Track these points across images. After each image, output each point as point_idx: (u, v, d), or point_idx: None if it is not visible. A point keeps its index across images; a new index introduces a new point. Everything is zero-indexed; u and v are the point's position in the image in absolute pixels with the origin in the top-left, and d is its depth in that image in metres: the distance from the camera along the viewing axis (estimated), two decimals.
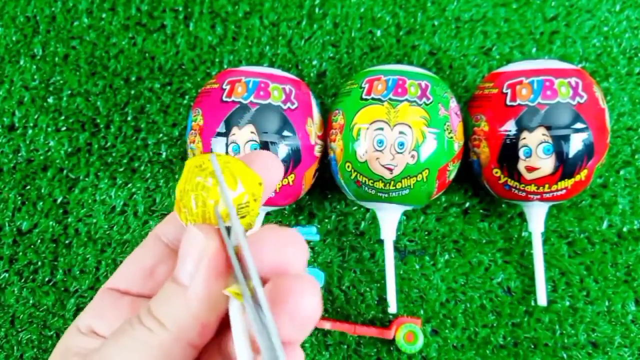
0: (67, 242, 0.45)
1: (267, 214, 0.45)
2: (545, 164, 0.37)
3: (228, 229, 0.19)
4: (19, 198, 0.46)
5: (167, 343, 0.18)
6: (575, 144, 0.36)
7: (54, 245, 0.45)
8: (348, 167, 0.38)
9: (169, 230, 0.22)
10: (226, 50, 0.48)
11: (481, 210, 0.45)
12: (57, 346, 0.20)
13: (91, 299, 0.45)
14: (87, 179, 0.46)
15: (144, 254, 0.22)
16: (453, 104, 0.40)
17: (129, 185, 0.46)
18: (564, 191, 0.38)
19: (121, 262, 0.45)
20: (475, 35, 0.48)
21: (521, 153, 0.37)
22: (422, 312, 0.43)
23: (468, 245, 0.44)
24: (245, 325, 0.18)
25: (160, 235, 0.22)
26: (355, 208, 0.45)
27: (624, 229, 0.44)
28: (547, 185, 0.38)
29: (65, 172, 0.46)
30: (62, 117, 0.47)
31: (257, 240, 0.18)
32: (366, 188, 0.38)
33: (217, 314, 0.19)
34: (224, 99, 0.38)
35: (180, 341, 0.18)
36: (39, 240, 0.45)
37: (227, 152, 0.37)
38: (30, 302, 0.44)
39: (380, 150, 0.37)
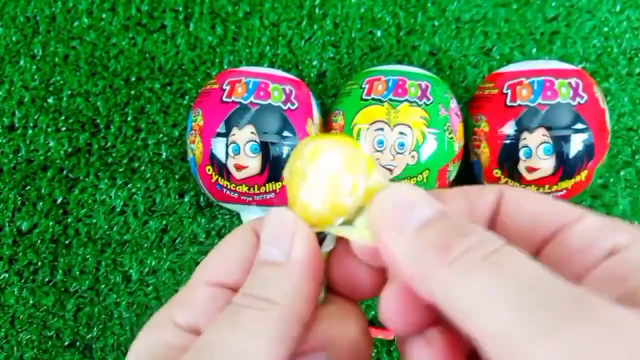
0: (67, 242, 0.45)
1: None
2: (546, 165, 0.37)
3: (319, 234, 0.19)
4: (19, 198, 0.46)
5: (284, 319, 0.17)
6: (576, 145, 0.36)
7: (54, 245, 0.45)
8: None
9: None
10: (226, 50, 0.48)
11: None
12: (140, 342, 0.18)
13: (91, 299, 0.45)
14: (87, 179, 0.46)
15: (245, 247, 0.20)
16: (453, 104, 0.40)
17: (129, 185, 0.46)
18: (564, 192, 0.38)
19: (121, 262, 0.45)
20: (475, 36, 0.48)
21: (521, 154, 0.37)
22: None
23: None
24: None
25: (257, 229, 0.20)
26: None
27: None
28: (547, 186, 0.38)
29: (65, 172, 0.46)
30: (62, 117, 0.47)
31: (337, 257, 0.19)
32: None
33: (318, 283, 0.18)
34: (224, 99, 0.38)
35: (294, 316, 0.17)
36: (39, 241, 0.45)
37: (227, 153, 0.38)
38: (30, 302, 0.44)
39: (381, 151, 0.37)
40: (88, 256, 0.45)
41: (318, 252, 0.18)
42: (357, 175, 0.18)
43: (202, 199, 0.46)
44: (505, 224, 0.17)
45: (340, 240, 0.19)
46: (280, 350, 0.16)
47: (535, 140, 0.37)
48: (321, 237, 0.19)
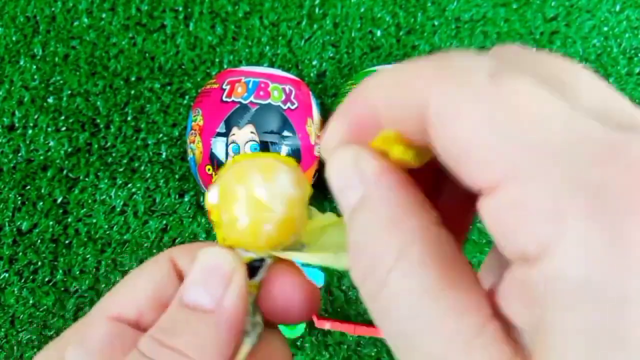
0: (67, 242, 0.45)
1: None
2: None
3: (253, 261, 0.17)
4: (19, 198, 0.46)
5: None
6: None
7: (54, 245, 0.45)
8: None
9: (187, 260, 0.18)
10: (226, 50, 0.48)
11: None
12: None
13: (91, 299, 0.45)
14: (87, 179, 0.46)
15: (159, 278, 0.17)
16: None
17: (129, 185, 0.46)
18: None
19: (121, 262, 0.45)
20: (475, 35, 0.48)
21: None
22: None
23: (468, 246, 0.44)
24: None
25: (176, 259, 0.18)
26: None
27: None
28: None
29: (65, 172, 0.46)
30: (62, 117, 0.47)
31: (268, 281, 0.17)
32: None
33: (240, 332, 0.16)
34: (224, 99, 0.38)
35: None
36: (39, 240, 0.45)
37: (227, 152, 0.38)
38: (30, 302, 0.44)
39: None
40: (88, 256, 0.45)
41: (247, 299, 0.16)
42: (280, 192, 0.17)
43: (201, 199, 0.46)
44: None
45: (272, 266, 0.17)
46: None
47: None
48: (251, 266, 0.17)
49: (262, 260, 0.17)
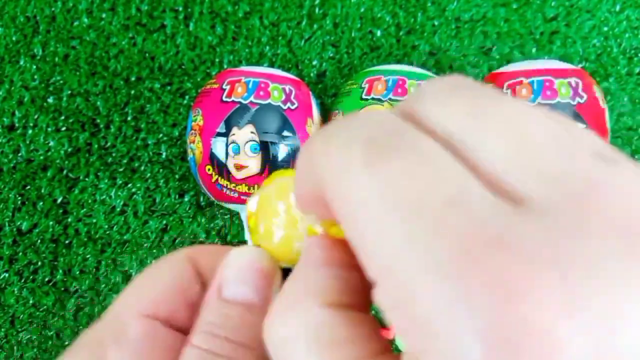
0: (67, 242, 0.45)
1: None
2: None
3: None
4: (19, 198, 0.46)
5: None
6: None
7: (54, 245, 0.45)
8: None
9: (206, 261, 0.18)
10: (226, 50, 0.48)
11: None
12: None
13: (91, 299, 0.45)
14: (87, 179, 0.46)
15: (185, 277, 0.17)
16: None
17: (129, 185, 0.46)
18: None
19: (121, 262, 0.45)
20: (475, 35, 0.48)
21: None
22: None
23: None
24: None
25: (196, 260, 0.18)
26: None
27: None
28: None
29: (65, 172, 0.46)
30: (62, 117, 0.47)
31: None
32: None
33: None
34: (224, 99, 0.38)
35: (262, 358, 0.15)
36: (39, 240, 0.45)
37: (227, 152, 0.37)
38: (30, 302, 0.44)
39: None
40: (88, 256, 0.45)
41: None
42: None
43: (202, 198, 0.46)
44: None
45: None
46: None
47: None
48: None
49: (289, 271, 0.18)
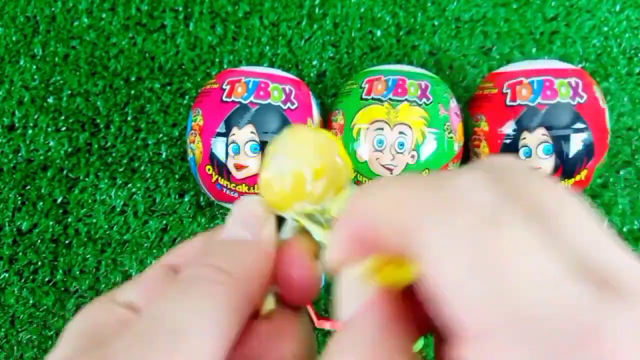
0: (67, 242, 0.45)
1: None
2: (545, 164, 0.37)
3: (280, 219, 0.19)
4: (19, 198, 0.46)
5: (239, 296, 0.15)
6: (575, 144, 0.36)
7: (54, 245, 0.45)
8: None
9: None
10: (226, 50, 0.48)
11: None
12: (74, 321, 0.17)
13: (91, 299, 0.45)
14: (87, 179, 0.46)
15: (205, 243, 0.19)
16: (453, 104, 0.40)
17: (129, 185, 0.46)
18: None
19: (121, 262, 0.45)
20: (475, 35, 0.48)
21: (521, 153, 0.37)
22: None
23: None
24: None
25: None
26: None
27: (624, 229, 0.44)
28: None
29: (65, 172, 0.46)
30: (62, 117, 0.47)
31: (289, 251, 0.18)
32: None
33: (270, 271, 0.18)
34: (224, 99, 0.38)
35: (247, 295, 0.16)
36: (39, 240, 0.45)
37: (227, 152, 0.38)
38: (30, 302, 0.44)
39: (380, 151, 0.37)
40: (88, 256, 0.45)
41: (275, 245, 0.18)
42: (323, 163, 0.18)
43: (202, 198, 0.46)
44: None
45: (294, 239, 0.19)
46: (228, 331, 0.14)
47: (535, 140, 0.37)
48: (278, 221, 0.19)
49: (282, 219, 0.19)
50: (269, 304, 0.18)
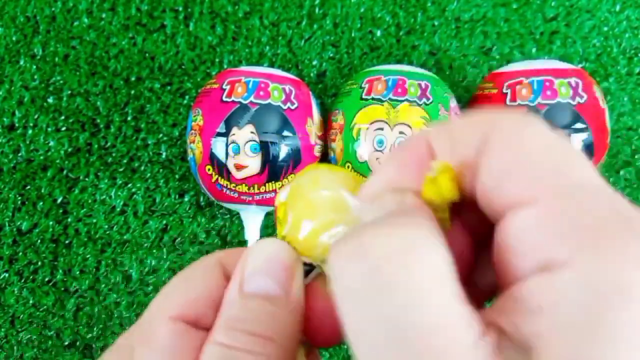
0: (67, 242, 0.45)
1: (267, 213, 0.45)
2: None
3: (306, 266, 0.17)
4: (19, 198, 0.46)
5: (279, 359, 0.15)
6: (575, 144, 0.36)
7: (54, 245, 0.45)
8: (348, 167, 0.38)
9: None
10: (226, 50, 0.48)
11: None
12: None
13: (91, 299, 0.45)
14: (87, 179, 0.46)
15: (214, 281, 0.17)
16: (453, 104, 0.40)
17: (129, 185, 0.46)
18: None
19: (121, 262, 0.45)
20: (475, 35, 0.48)
21: None
22: None
23: None
24: None
25: (226, 265, 0.18)
26: None
27: None
28: None
29: (65, 172, 0.46)
30: (62, 117, 0.47)
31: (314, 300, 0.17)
32: None
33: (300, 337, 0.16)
34: (224, 99, 0.38)
35: (286, 358, 0.15)
36: (39, 240, 0.45)
37: (227, 152, 0.38)
38: (30, 302, 0.44)
39: (381, 151, 0.37)
40: (88, 256, 0.45)
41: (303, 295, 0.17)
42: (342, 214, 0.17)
43: (202, 198, 0.46)
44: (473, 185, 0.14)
45: (316, 284, 0.17)
46: None
47: None
48: (306, 271, 0.17)
49: (312, 267, 0.17)
50: (301, 356, 0.17)
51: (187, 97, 0.47)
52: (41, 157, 0.47)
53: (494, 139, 0.13)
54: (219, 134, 0.37)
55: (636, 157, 0.45)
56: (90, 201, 0.46)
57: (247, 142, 0.37)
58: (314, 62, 0.48)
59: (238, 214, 0.45)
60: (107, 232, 0.45)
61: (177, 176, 0.46)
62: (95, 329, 0.44)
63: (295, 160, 0.38)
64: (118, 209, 0.45)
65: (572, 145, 0.13)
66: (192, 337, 0.16)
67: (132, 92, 0.47)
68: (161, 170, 0.46)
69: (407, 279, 0.11)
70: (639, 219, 0.11)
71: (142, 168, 0.46)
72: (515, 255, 0.12)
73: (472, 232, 0.15)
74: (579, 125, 0.36)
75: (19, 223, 0.46)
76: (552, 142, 0.13)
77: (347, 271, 0.12)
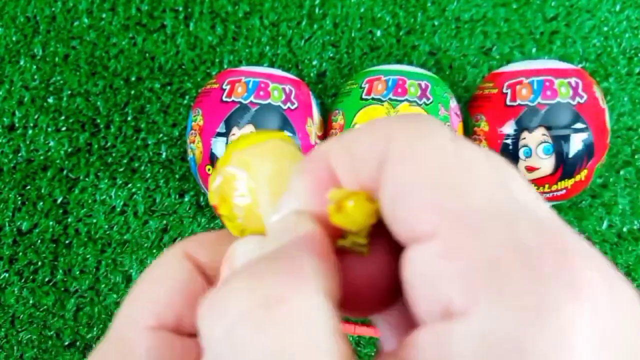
0: (67, 242, 0.45)
1: None
2: (545, 164, 0.37)
3: None
4: (19, 198, 0.46)
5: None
6: (575, 144, 0.36)
7: (54, 245, 0.45)
8: None
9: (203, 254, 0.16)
10: (226, 50, 0.48)
11: None
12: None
13: (91, 299, 0.45)
14: (87, 179, 0.46)
15: (186, 276, 0.15)
16: (453, 104, 0.40)
17: (129, 185, 0.46)
18: (564, 191, 0.38)
19: (121, 262, 0.45)
20: (475, 35, 0.48)
21: (521, 153, 0.37)
22: None
23: None
24: None
25: (193, 254, 0.16)
26: None
27: (624, 229, 0.44)
28: (547, 185, 0.38)
29: (65, 172, 0.46)
30: (62, 117, 0.47)
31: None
32: None
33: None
34: (224, 99, 0.38)
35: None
36: (39, 240, 0.45)
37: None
38: (30, 302, 0.44)
39: None
40: (88, 256, 0.45)
41: None
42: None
43: (202, 198, 0.46)
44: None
45: None
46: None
47: (535, 140, 0.37)
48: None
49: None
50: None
51: (187, 97, 0.47)
52: (41, 157, 0.47)
53: (388, 157, 0.12)
54: (219, 134, 0.37)
55: (636, 157, 0.46)
56: (90, 201, 0.46)
57: None
58: (314, 62, 0.48)
59: None
60: (107, 232, 0.45)
61: (177, 176, 0.46)
62: (95, 329, 0.44)
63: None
64: (118, 209, 0.45)
65: (474, 154, 0.11)
66: (175, 345, 0.14)
67: (132, 92, 0.47)
68: (161, 170, 0.46)
69: (263, 343, 0.10)
70: (540, 246, 0.10)
71: (142, 168, 0.46)
72: (418, 297, 0.11)
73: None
74: (579, 125, 0.36)
75: (19, 223, 0.46)
76: (449, 157, 0.11)
77: (205, 328, 0.11)
